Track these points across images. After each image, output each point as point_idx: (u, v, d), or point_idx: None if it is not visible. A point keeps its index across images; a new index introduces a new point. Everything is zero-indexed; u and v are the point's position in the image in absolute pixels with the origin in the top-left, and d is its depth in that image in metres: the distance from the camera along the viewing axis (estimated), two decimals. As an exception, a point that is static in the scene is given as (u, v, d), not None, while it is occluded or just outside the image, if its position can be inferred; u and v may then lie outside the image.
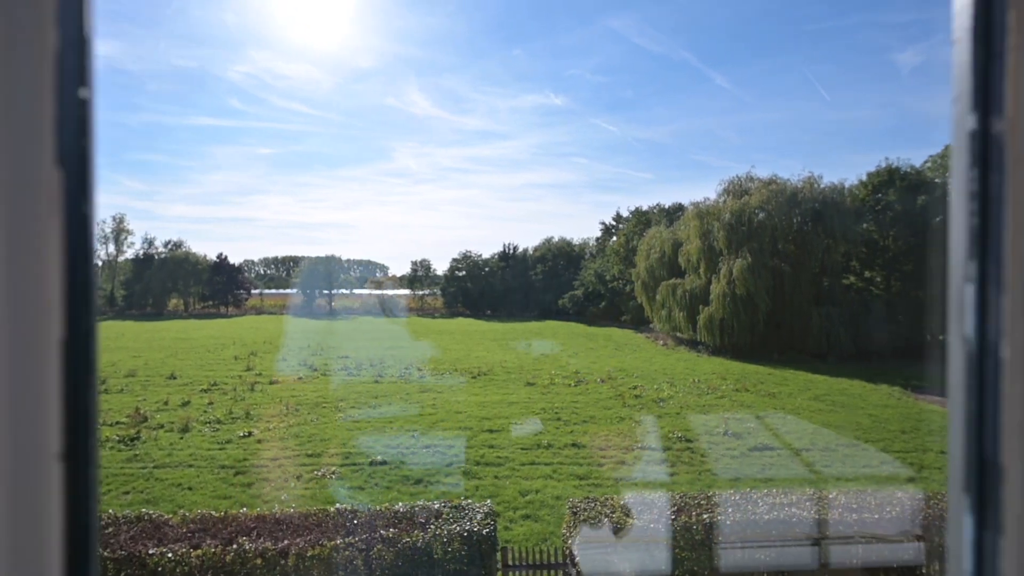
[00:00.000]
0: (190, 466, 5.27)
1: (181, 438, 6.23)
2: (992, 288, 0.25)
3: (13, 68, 0.24)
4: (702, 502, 2.74)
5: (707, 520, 2.57)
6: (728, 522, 2.57)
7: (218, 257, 27.46)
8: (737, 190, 14.14)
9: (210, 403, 8.07)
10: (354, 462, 5.65)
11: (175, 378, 10.04)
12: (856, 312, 12.51)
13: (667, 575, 2.48)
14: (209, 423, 6.98)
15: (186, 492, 4.63)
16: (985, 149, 0.26)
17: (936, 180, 13.76)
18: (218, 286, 27.15)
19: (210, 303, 26.92)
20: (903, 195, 13.57)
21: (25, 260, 0.24)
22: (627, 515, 2.67)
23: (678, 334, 14.42)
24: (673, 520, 2.57)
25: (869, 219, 13.81)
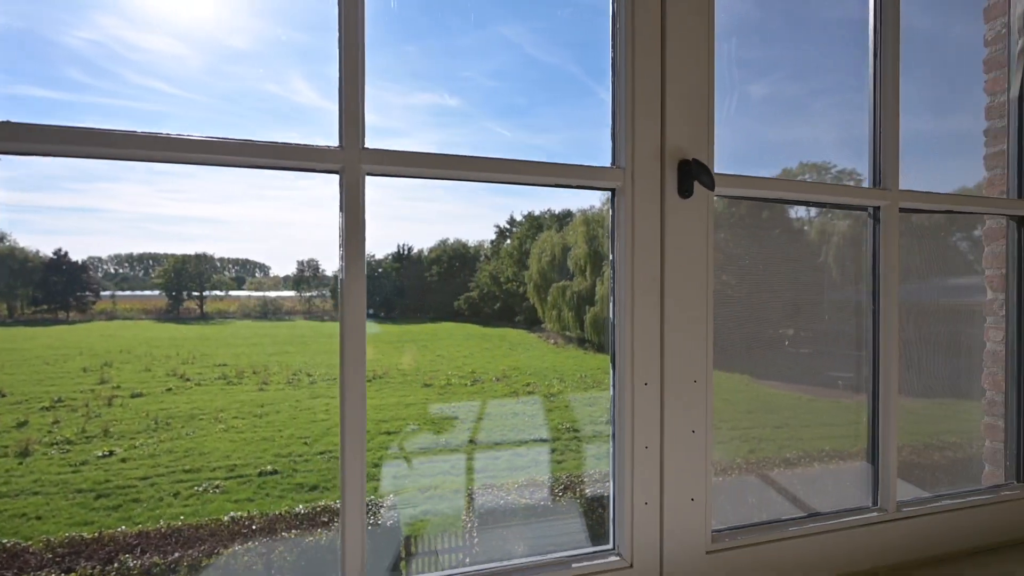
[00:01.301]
0: (35, 493, 4.67)
1: (20, 463, 5.46)
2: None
3: None
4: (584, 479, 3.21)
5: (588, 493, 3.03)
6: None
7: (55, 253, 23.49)
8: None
9: (55, 422, 7.11)
10: (240, 474, 5.40)
11: (3, 396, 8.61)
12: (715, 311, 14.42)
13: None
14: (56, 444, 6.18)
15: (33, 522, 4.13)
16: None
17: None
18: (55, 287, 23.25)
19: (44, 307, 22.97)
20: (751, 210, 15.91)
21: None
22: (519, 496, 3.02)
23: (567, 333, 15.61)
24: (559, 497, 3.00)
25: (725, 229, 15.98)
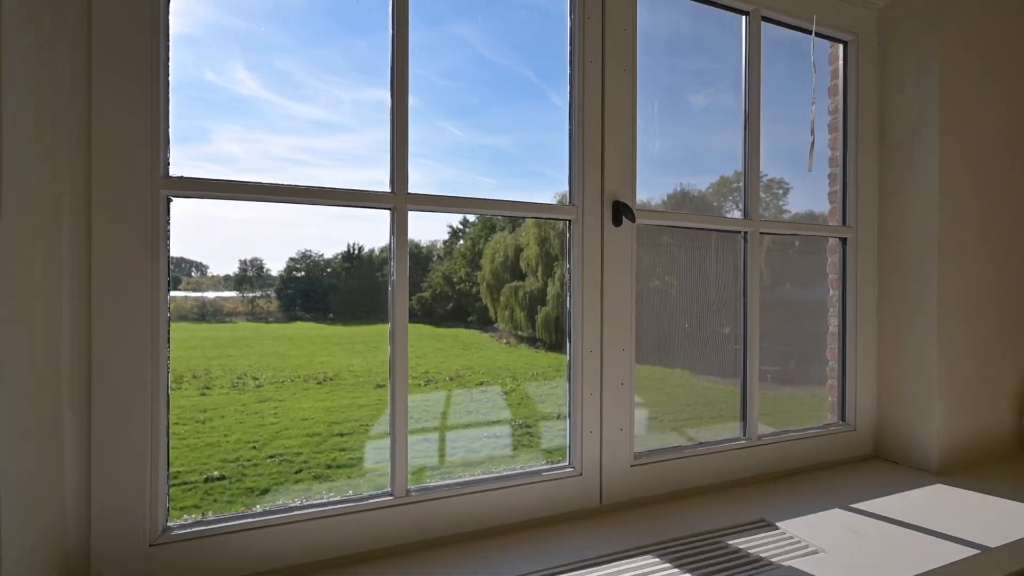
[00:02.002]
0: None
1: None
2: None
3: None
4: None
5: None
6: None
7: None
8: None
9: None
10: (185, 481, 5.37)
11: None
12: (658, 310, 15.35)
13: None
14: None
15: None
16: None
17: (714, 203, 17.45)
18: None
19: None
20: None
21: None
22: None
23: (519, 333, 16.08)
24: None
25: (668, 233, 16.98)
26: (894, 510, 1.01)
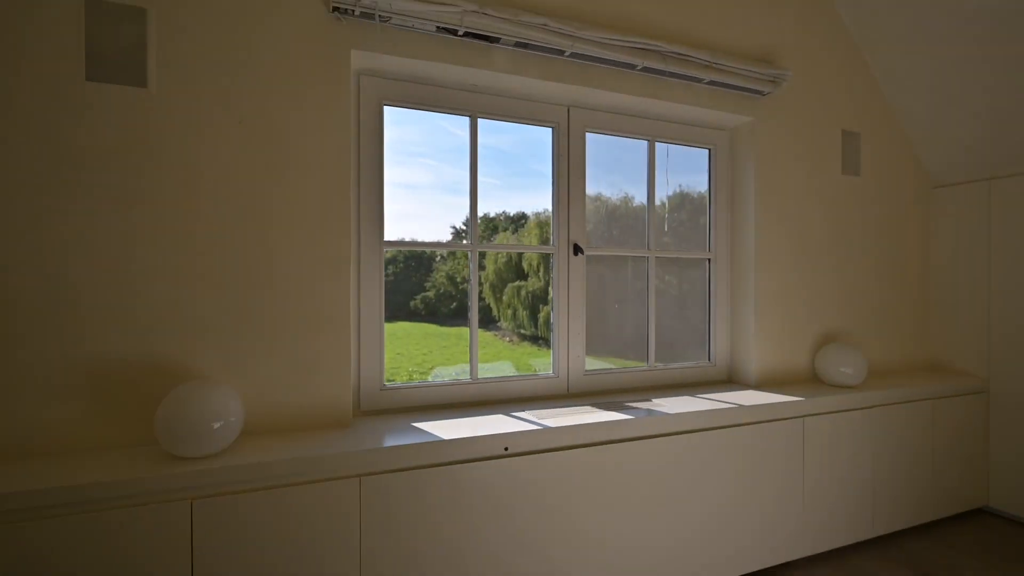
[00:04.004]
0: None
1: None
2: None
3: None
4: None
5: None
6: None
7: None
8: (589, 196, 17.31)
9: None
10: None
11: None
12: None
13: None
14: None
15: None
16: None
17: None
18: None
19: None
20: (692, 215, 18.01)
21: None
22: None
23: (522, 331, 17.23)
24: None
25: (668, 233, 18.01)
26: (716, 397, 2.10)
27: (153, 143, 1.47)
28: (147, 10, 1.46)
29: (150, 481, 1.25)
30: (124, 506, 1.23)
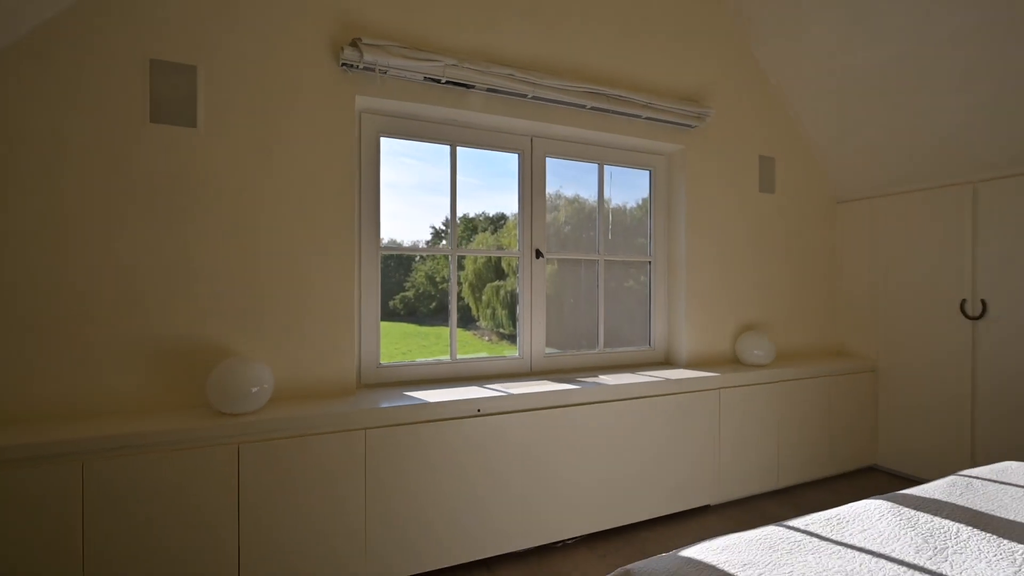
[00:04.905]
0: None
1: None
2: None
3: None
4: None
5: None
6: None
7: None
8: (549, 206, 17.84)
9: None
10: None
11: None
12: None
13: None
14: None
15: None
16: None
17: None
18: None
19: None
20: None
21: None
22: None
23: (500, 330, 17.70)
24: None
25: (641, 235, 18.70)
26: (652, 374, 2.59)
27: (201, 172, 1.89)
28: (197, 67, 1.88)
29: (207, 429, 1.67)
30: (188, 448, 1.64)
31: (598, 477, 2.26)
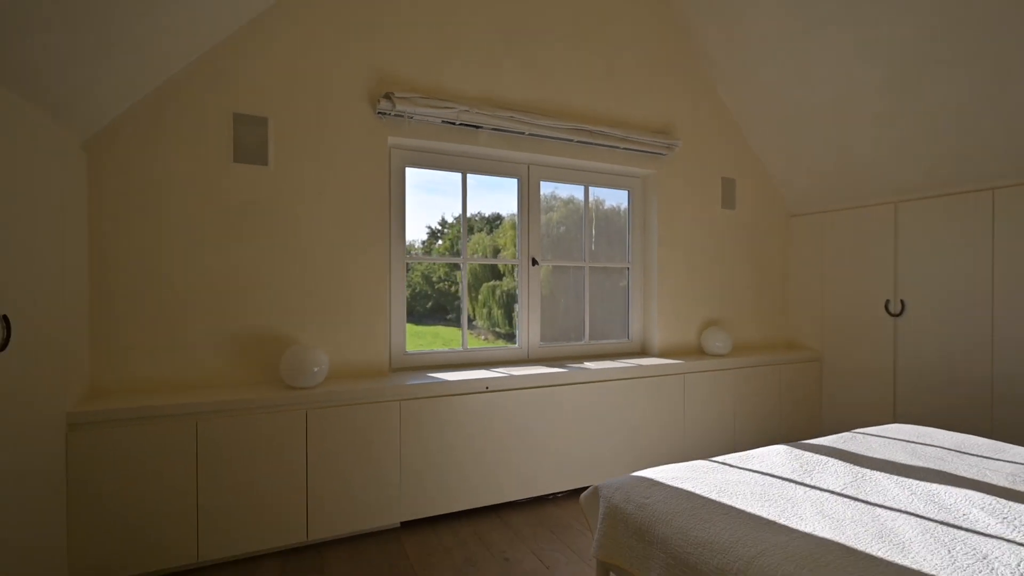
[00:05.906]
0: None
1: None
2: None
3: None
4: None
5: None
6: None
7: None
8: (545, 207, 18.47)
9: None
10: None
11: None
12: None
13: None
14: None
15: None
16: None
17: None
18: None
19: None
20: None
21: None
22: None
23: (496, 329, 18.23)
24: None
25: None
26: (628, 361, 3.14)
27: (271, 200, 2.43)
28: (268, 118, 2.41)
29: (283, 399, 2.21)
30: (270, 412, 2.18)
31: (583, 443, 2.81)
